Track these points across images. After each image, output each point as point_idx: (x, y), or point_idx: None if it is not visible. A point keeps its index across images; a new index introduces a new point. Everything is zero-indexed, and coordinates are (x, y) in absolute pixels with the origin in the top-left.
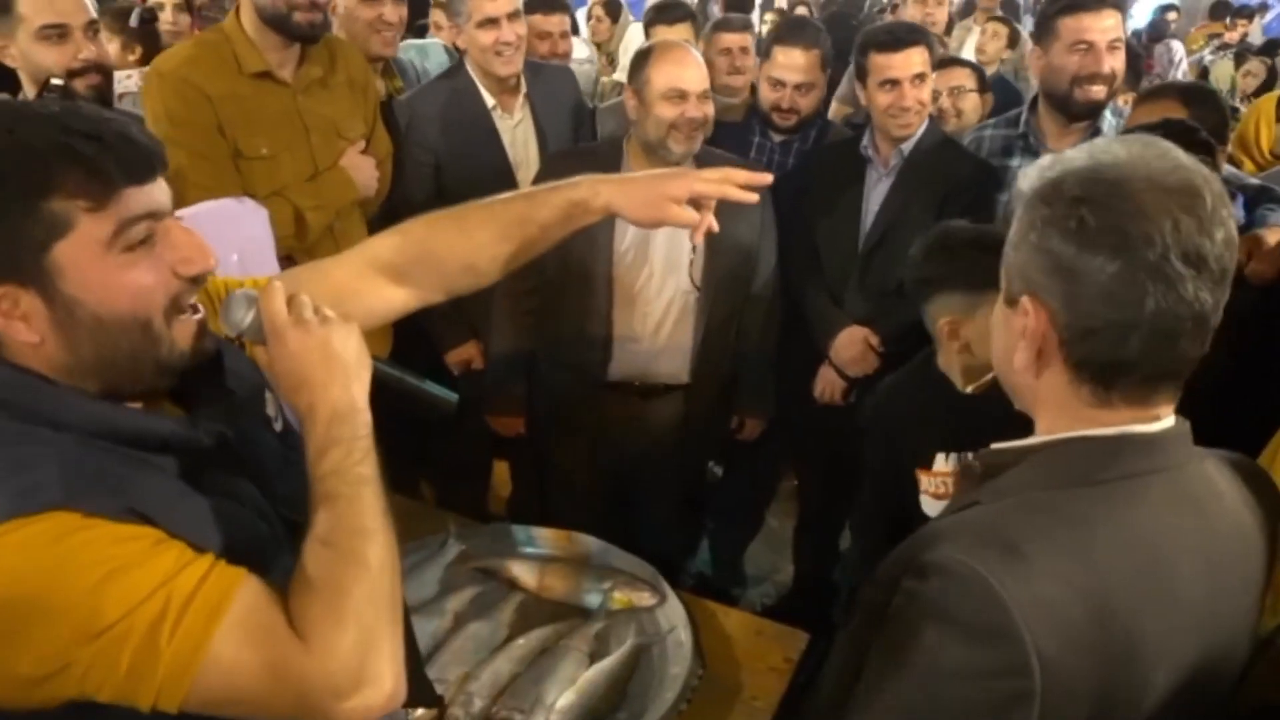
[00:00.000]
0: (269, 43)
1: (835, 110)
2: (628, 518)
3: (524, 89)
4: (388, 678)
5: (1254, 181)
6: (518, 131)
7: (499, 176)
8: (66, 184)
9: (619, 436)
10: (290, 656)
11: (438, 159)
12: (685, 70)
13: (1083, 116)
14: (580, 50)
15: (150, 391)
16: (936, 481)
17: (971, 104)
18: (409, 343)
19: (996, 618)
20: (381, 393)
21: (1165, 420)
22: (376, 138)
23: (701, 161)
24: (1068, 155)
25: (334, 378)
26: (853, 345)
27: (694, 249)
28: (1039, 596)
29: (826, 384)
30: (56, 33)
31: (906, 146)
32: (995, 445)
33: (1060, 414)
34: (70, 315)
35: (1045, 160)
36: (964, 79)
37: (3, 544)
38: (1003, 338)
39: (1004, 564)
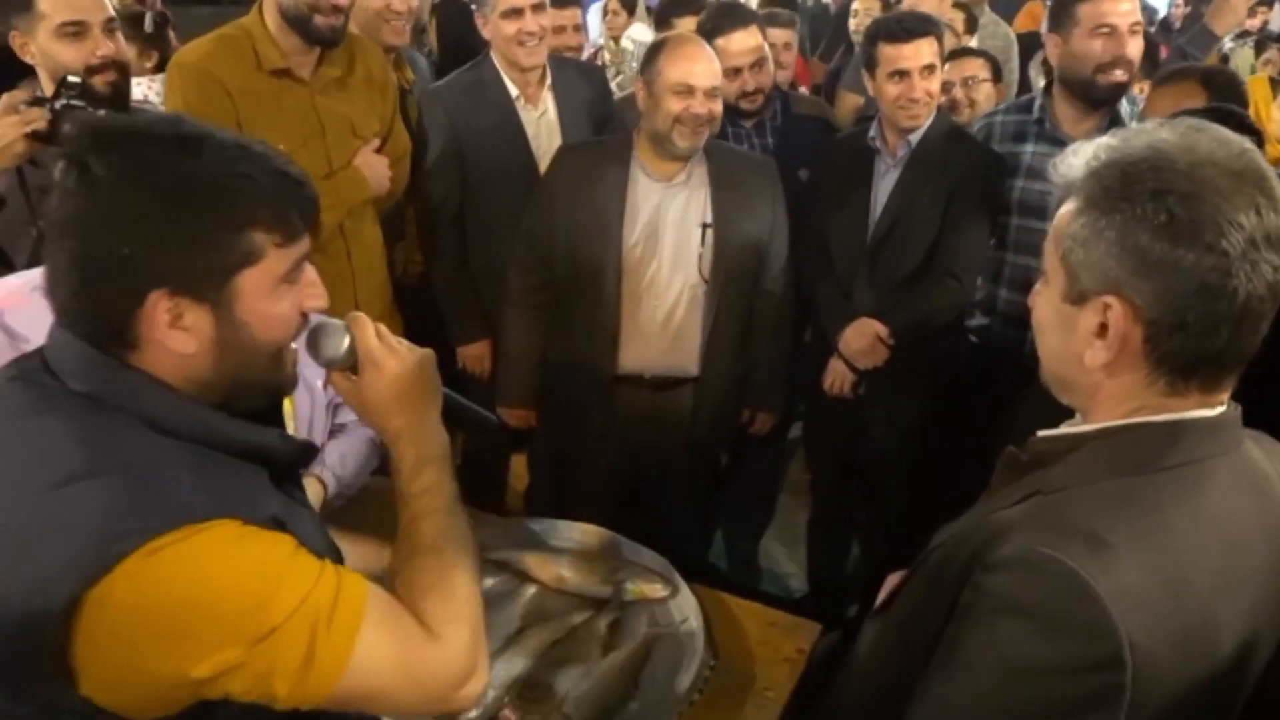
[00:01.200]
0: (289, 41)
1: (845, 100)
2: (641, 512)
3: (549, 82)
4: (487, 667)
5: None
6: (541, 123)
7: (523, 169)
8: (268, 219)
9: (629, 430)
10: (422, 652)
11: (461, 150)
12: (695, 65)
13: (1104, 102)
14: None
15: (250, 411)
16: None
17: (985, 94)
18: (422, 333)
19: (1089, 611)
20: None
21: (1223, 404)
22: (395, 135)
23: (712, 156)
24: (1113, 144)
25: (425, 402)
26: (862, 337)
27: (702, 242)
28: (1127, 586)
29: (836, 376)
30: (75, 30)
31: (915, 137)
32: (1043, 434)
33: (1122, 404)
34: (233, 336)
35: (1085, 149)
36: (977, 69)
37: (176, 551)
38: (1061, 336)
39: (1091, 555)
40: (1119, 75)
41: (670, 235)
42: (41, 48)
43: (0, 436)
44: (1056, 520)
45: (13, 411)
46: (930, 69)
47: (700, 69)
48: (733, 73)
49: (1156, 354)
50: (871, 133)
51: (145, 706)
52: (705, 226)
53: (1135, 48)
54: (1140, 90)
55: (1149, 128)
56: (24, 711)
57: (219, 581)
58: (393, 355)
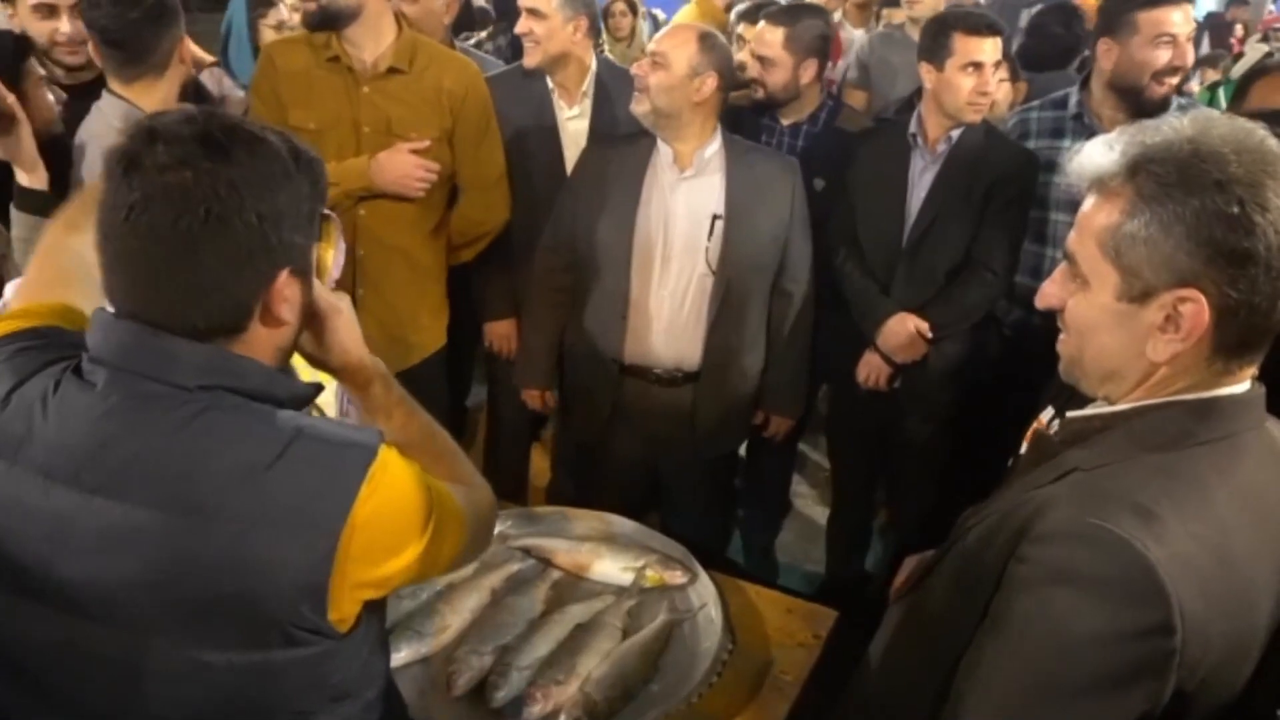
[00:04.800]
0: (345, 31)
1: (850, 98)
2: (658, 505)
3: (587, 84)
4: None
5: None
6: (571, 124)
7: (550, 163)
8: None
9: (640, 423)
10: (478, 496)
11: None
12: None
13: (1157, 110)
14: None
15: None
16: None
17: (1004, 93)
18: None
19: (1143, 579)
20: None
21: (1247, 382)
22: (480, 159)
23: (732, 150)
24: (1142, 139)
25: (361, 336)
26: (902, 332)
27: (710, 233)
28: (1177, 554)
29: (872, 369)
30: (46, 9)
31: (955, 134)
32: (1074, 414)
33: (1170, 386)
34: (309, 301)
35: (1105, 143)
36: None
37: (382, 470)
38: (1117, 335)
39: (1141, 525)
40: (1172, 82)
41: (682, 222)
42: (22, 21)
43: (174, 454)
44: (1102, 493)
45: (157, 428)
46: (998, 66)
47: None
48: (750, 55)
49: (1222, 337)
50: (912, 128)
51: (355, 614)
52: (715, 218)
53: (1191, 56)
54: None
55: (1170, 122)
56: (263, 658)
57: (410, 484)
58: (340, 298)
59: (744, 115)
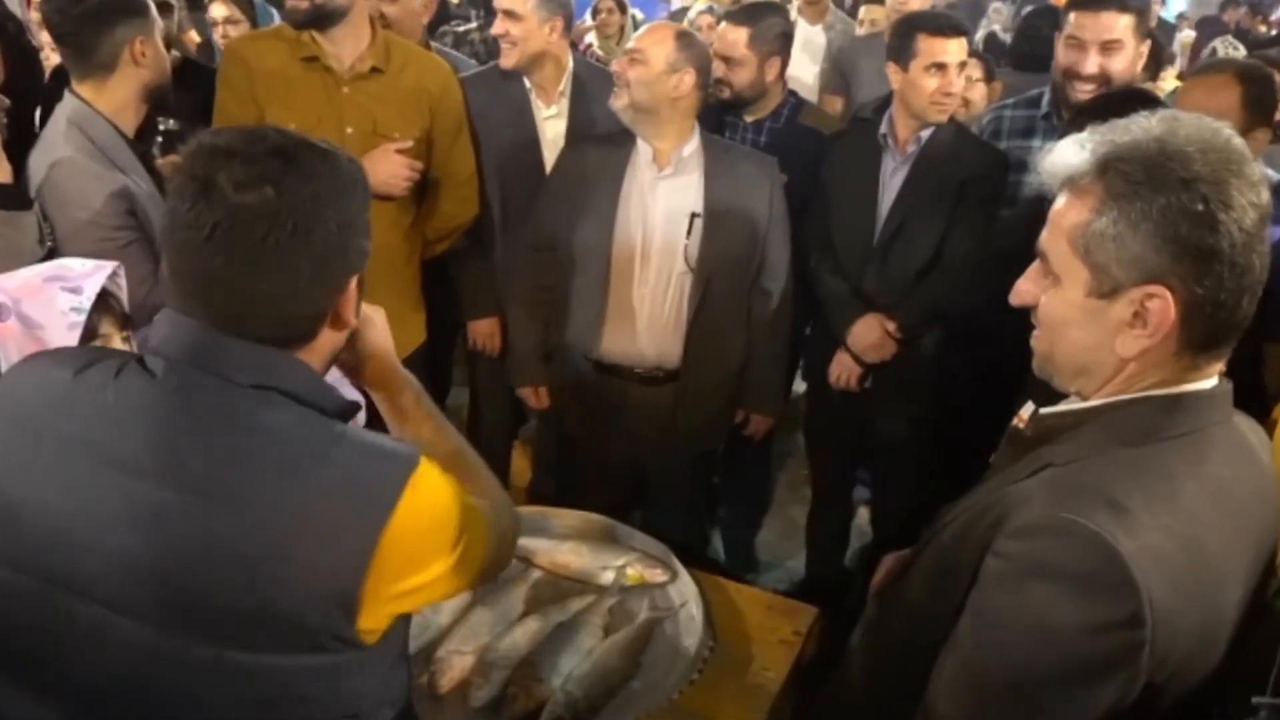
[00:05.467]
0: (322, 32)
1: (827, 104)
2: (639, 503)
3: (563, 84)
4: None
5: None
6: (550, 122)
7: (529, 163)
8: None
9: (620, 422)
10: (502, 516)
11: (477, 136)
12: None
13: (1078, 114)
14: None
15: None
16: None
17: (980, 93)
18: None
19: (1114, 571)
20: None
21: (1214, 378)
22: (455, 156)
23: (710, 148)
24: (1110, 138)
25: (393, 346)
26: (871, 332)
27: (689, 231)
28: (1148, 547)
29: (843, 369)
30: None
31: (925, 134)
32: (1047, 410)
33: (1139, 382)
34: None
35: (1075, 143)
36: (971, 69)
37: (420, 482)
38: (1086, 330)
39: (1113, 519)
40: (1081, 89)
41: (660, 219)
42: (159, 53)
43: (232, 442)
44: (1076, 488)
45: (206, 417)
46: (963, 66)
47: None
48: (716, 55)
49: (1189, 333)
50: (882, 129)
51: (383, 625)
52: (694, 216)
53: (1101, 63)
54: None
55: (1137, 121)
56: (285, 663)
57: (447, 499)
58: (373, 310)
59: (707, 114)
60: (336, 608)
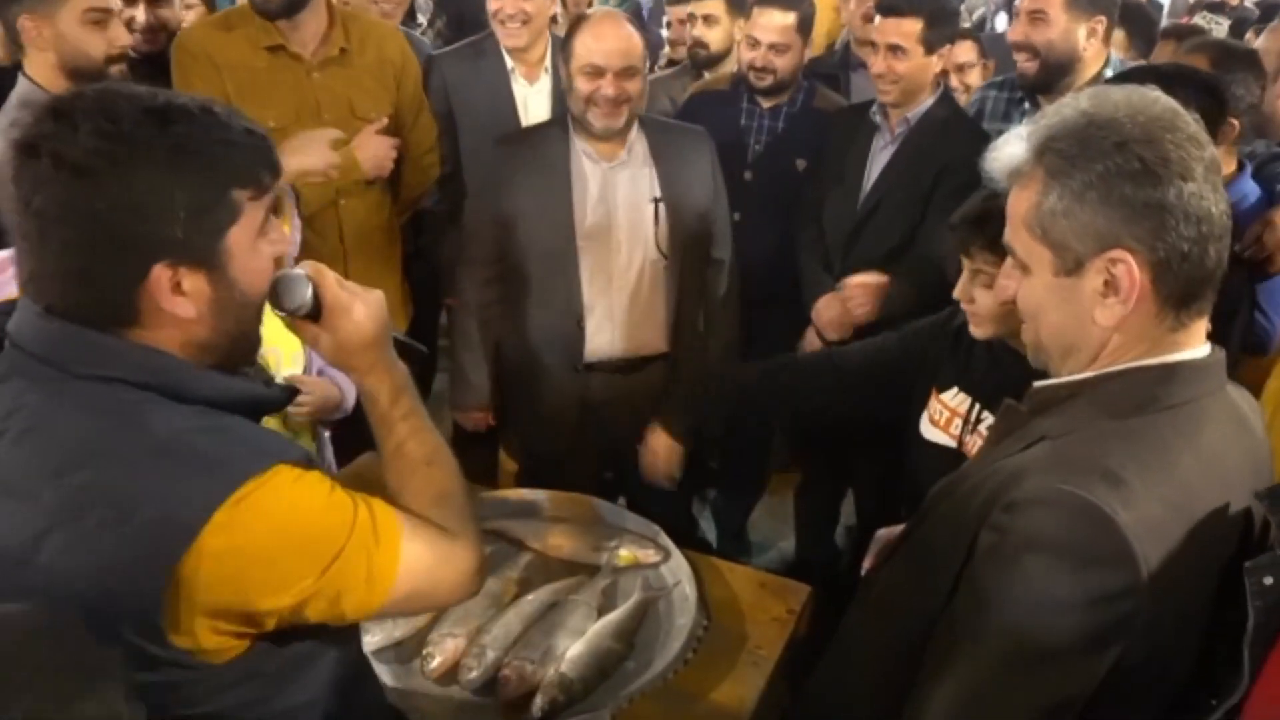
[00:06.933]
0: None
1: None
2: (626, 491)
3: (547, 59)
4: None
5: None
6: (533, 100)
7: None
8: (243, 177)
9: (605, 415)
10: (450, 550)
11: (454, 116)
12: (602, 44)
13: (1025, 89)
14: None
15: (235, 367)
16: (938, 408)
17: (976, 78)
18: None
19: (1112, 542)
20: None
21: (1206, 346)
22: (419, 124)
23: (649, 131)
24: (1043, 122)
25: (386, 337)
26: (830, 308)
27: (656, 218)
28: (1144, 518)
29: (809, 346)
30: (100, 17)
31: (914, 115)
32: (1040, 384)
33: (1128, 351)
34: (229, 295)
35: (1013, 136)
36: (966, 53)
37: (257, 498)
38: (1064, 310)
39: (1110, 490)
40: (1022, 60)
41: (623, 215)
42: (60, 33)
43: (33, 430)
44: (1071, 460)
45: (33, 409)
46: (897, 50)
47: (609, 48)
48: (754, 43)
49: (1164, 291)
50: (874, 107)
51: (226, 645)
52: (656, 201)
53: (1027, 32)
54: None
55: (1065, 101)
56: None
57: (295, 518)
58: (356, 297)
59: (719, 98)
60: (132, 619)
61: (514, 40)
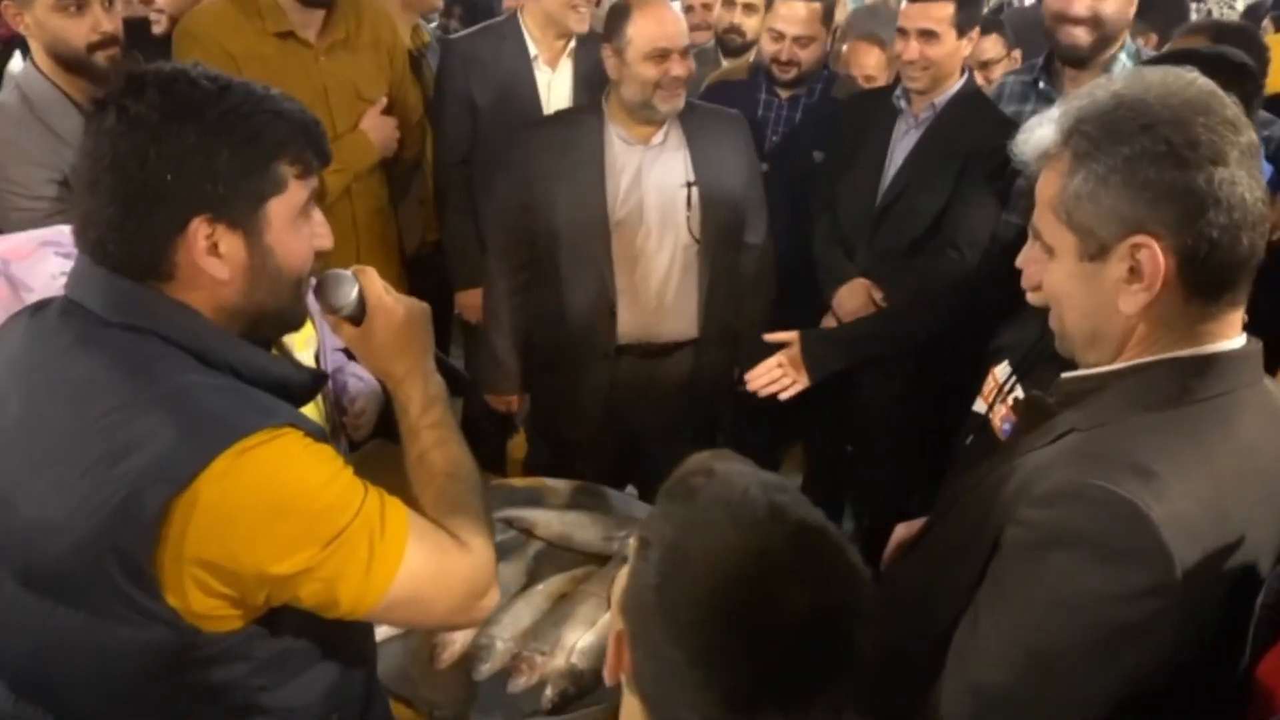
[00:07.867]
0: (291, 3)
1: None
2: (641, 478)
3: (572, 47)
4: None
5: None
6: (554, 86)
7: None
8: (291, 151)
9: (631, 399)
10: (458, 561)
11: (475, 104)
12: (666, 28)
13: (1068, 60)
14: None
15: (262, 340)
16: (990, 385)
17: (1001, 71)
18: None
19: (1145, 538)
20: None
21: (1242, 338)
22: (406, 99)
23: (684, 114)
24: (1073, 104)
25: (427, 347)
26: (854, 297)
27: (688, 202)
28: (1177, 513)
29: None
30: (76, 3)
31: (940, 101)
32: (1068, 375)
33: (1156, 341)
34: (262, 263)
35: (1043, 118)
36: (990, 47)
37: (260, 453)
38: (1088, 296)
39: (1142, 485)
40: (1071, 33)
41: (655, 199)
42: (38, 20)
43: (53, 368)
44: (1101, 453)
45: (62, 344)
46: (929, 35)
47: (671, 30)
48: (777, 35)
49: (1191, 279)
50: (897, 90)
51: (217, 611)
52: (689, 185)
53: (1089, 4)
54: (1148, 43)
55: (1099, 83)
56: (107, 629)
57: (298, 483)
58: (400, 303)
59: (733, 87)
60: (118, 565)
61: (582, 25)
